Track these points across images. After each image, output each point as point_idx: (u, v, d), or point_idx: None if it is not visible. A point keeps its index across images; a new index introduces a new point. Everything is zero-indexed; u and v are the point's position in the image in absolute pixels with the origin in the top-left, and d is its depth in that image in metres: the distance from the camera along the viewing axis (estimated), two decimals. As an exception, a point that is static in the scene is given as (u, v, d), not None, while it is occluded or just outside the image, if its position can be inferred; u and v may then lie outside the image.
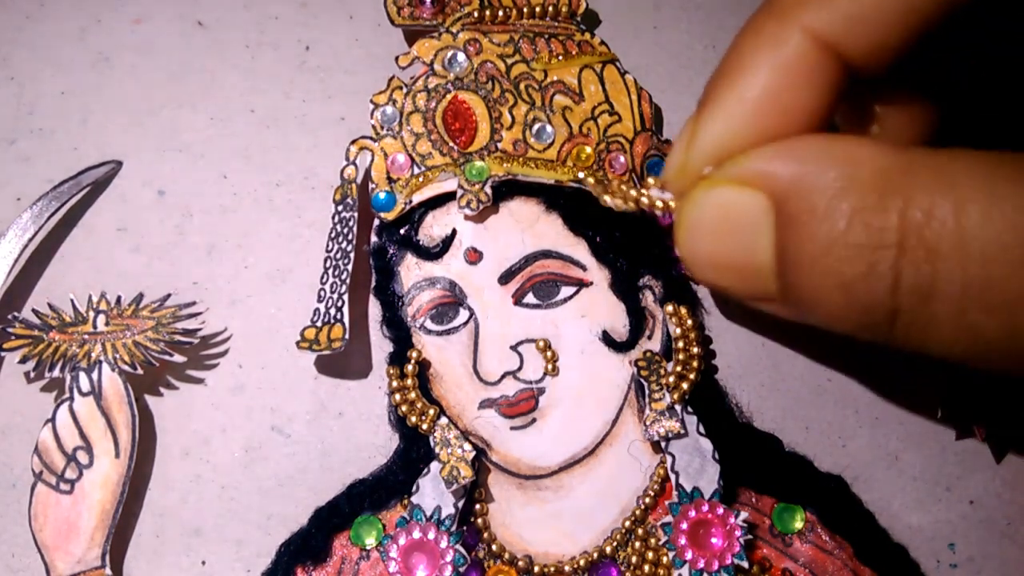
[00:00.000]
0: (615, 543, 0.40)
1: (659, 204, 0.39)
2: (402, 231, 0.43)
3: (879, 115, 0.38)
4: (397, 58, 0.43)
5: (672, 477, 0.40)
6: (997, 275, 0.27)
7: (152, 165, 0.46)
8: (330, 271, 0.42)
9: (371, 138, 0.43)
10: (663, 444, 0.40)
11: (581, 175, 0.41)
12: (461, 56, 0.43)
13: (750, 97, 0.34)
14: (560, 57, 0.43)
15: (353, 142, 0.43)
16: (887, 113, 0.38)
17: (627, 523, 0.40)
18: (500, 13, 0.44)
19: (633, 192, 0.40)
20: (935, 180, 0.28)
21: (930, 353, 0.31)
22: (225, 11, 0.48)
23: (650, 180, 0.40)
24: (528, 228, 0.42)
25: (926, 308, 0.29)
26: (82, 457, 0.40)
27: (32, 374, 0.41)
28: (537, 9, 0.44)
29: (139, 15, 0.48)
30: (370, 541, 0.40)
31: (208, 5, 0.48)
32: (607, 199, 0.40)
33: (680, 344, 0.42)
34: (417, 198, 0.42)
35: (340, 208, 0.43)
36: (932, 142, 0.39)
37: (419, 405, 0.41)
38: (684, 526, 0.39)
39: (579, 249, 0.42)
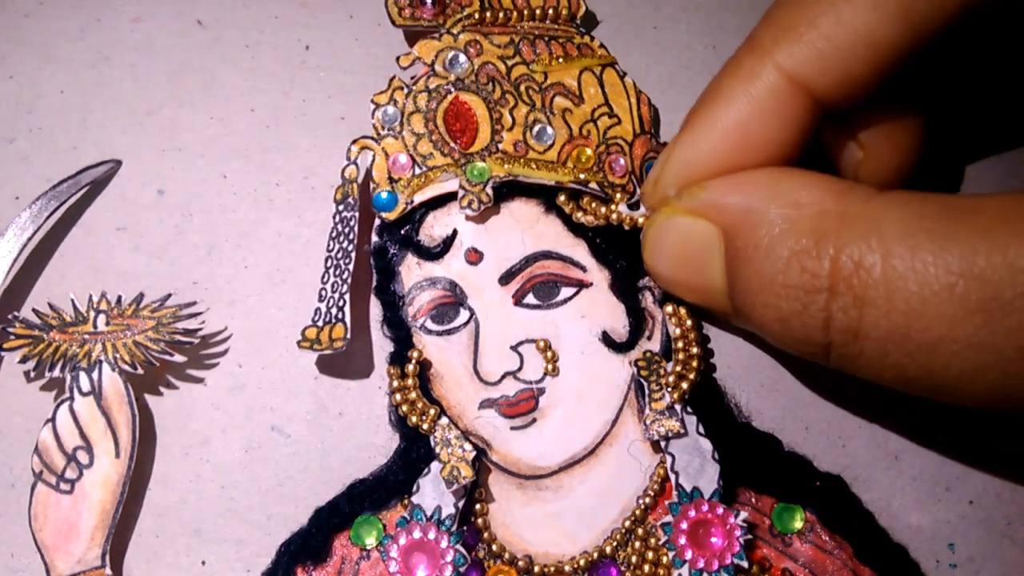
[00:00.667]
0: (615, 543, 0.40)
1: (628, 221, 0.41)
2: (403, 231, 0.43)
3: (863, 130, 0.39)
4: (398, 58, 0.43)
5: (672, 477, 0.40)
6: (917, 324, 0.29)
7: (152, 164, 0.46)
8: (331, 271, 0.42)
9: (372, 138, 0.43)
10: (663, 444, 0.40)
11: (582, 176, 0.42)
12: (462, 57, 0.43)
13: (722, 126, 0.36)
14: (560, 59, 0.43)
15: (354, 142, 0.43)
16: (872, 127, 0.39)
17: (627, 523, 0.40)
18: (500, 15, 0.44)
19: (604, 209, 0.41)
20: (866, 229, 0.30)
21: (864, 379, 0.33)
22: (225, 10, 0.48)
23: (617, 196, 0.41)
24: (528, 229, 0.42)
25: (855, 345, 0.31)
26: (82, 457, 0.40)
27: (32, 374, 0.41)
28: (537, 11, 0.44)
29: (138, 14, 0.48)
30: (370, 541, 0.40)
31: (208, 4, 0.48)
32: (579, 216, 0.42)
33: (680, 344, 0.42)
34: (418, 198, 0.42)
35: (341, 208, 0.43)
36: (921, 150, 0.40)
37: (419, 405, 0.41)
38: (684, 526, 0.39)
39: (579, 250, 0.42)
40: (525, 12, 0.44)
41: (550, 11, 0.44)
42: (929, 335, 0.29)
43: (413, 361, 0.41)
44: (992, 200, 0.29)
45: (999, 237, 0.28)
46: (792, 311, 0.32)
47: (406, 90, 0.43)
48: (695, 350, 0.42)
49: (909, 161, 0.40)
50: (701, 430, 0.41)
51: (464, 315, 0.42)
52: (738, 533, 0.38)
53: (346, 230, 0.43)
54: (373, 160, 0.43)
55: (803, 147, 0.37)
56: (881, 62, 0.34)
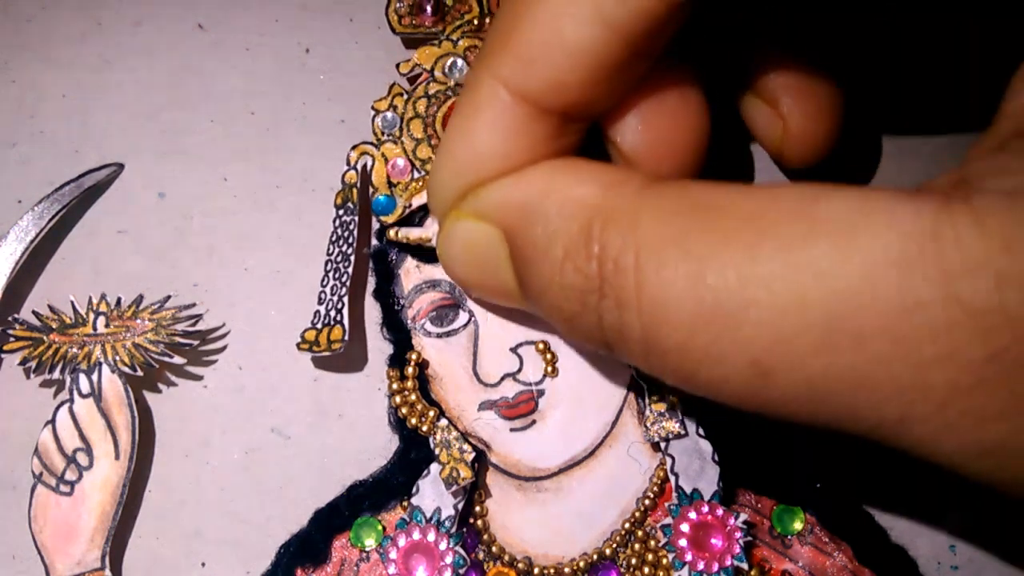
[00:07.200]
0: (615, 544, 0.40)
1: (412, 237, 0.42)
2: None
3: (783, 105, 0.39)
4: (398, 65, 0.44)
5: (672, 478, 0.40)
6: (663, 330, 0.28)
7: (152, 167, 0.46)
8: (331, 274, 0.42)
9: (372, 144, 0.43)
10: (663, 445, 0.40)
11: None
12: (461, 62, 0.43)
13: (474, 143, 0.34)
14: (559, 61, 0.43)
15: (354, 147, 0.44)
16: (791, 102, 0.39)
17: (627, 525, 0.40)
18: (500, 18, 0.44)
19: (391, 232, 0.42)
20: (626, 227, 0.29)
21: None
22: (225, 14, 0.48)
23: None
24: (528, 230, 0.42)
25: (625, 347, 0.30)
26: (82, 459, 0.40)
27: (32, 375, 0.41)
28: (537, 14, 0.44)
29: (139, 18, 0.48)
30: (370, 542, 0.40)
31: (208, 8, 0.48)
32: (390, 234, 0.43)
33: (680, 345, 0.41)
34: (417, 202, 0.43)
35: (341, 212, 0.43)
36: (841, 126, 0.40)
37: (419, 407, 0.41)
38: (684, 528, 0.39)
39: (579, 250, 0.42)
40: (525, 15, 0.44)
41: (550, 14, 0.44)
42: (672, 341, 0.28)
43: (412, 363, 0.41)
44: (749, 197, 0.27)
45: (735, 244, 0.26)
46: (573, 312, 0.31)
47: (406, 96, 0.43)
48: (695, 351, 0.41)
49: (830, 136, 0.39)
50: (701, 431, 0.40)
51: (463, 317, 0.42)
52: (738, 535, 0.38)
53: (346, 234, 0.43)
54: (372, 165, 0.43)
55: (570, 146, 0.35)
56: (593, 68, 0.31)
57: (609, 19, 0.30)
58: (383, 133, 0.43)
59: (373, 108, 0.44)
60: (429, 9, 0.44)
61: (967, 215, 0.23)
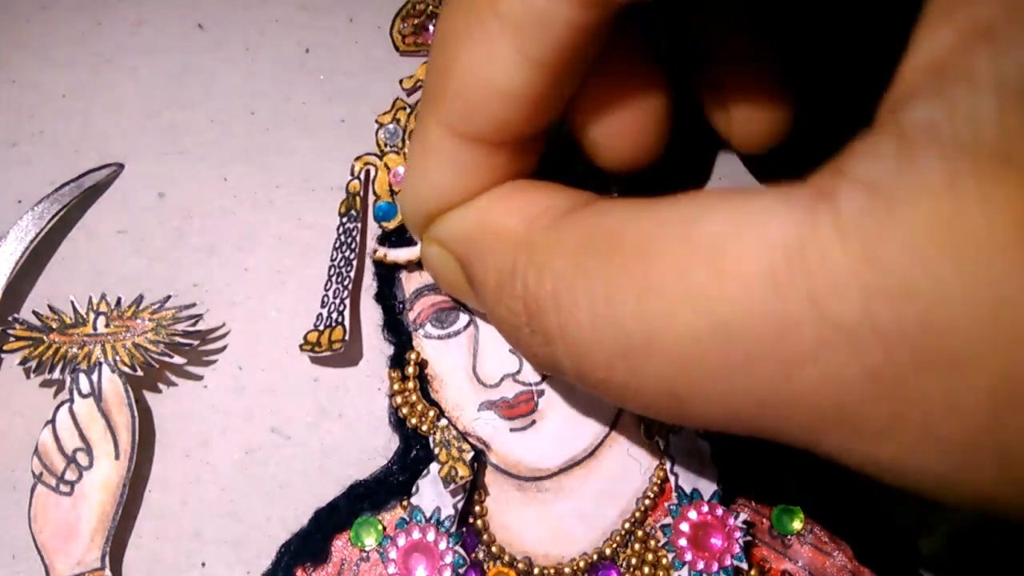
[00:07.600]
0: (615, 544, 0.40)
1: (401, 259, 0.42)
2: (403, 239, 0.43)
3: (731, 98, 0.39)
4: (401, 81, 0.45)
5: (671, 478, 0.40)
6: (586, 364, 0.27)
7: (152, 167, 0.46)
8: (334, 278, 0.43)
9: (375, 155, 0.44)
10: (662, 445, 0.40)
11: None
12: (461, 72, 0.44)
13: (432, 183, 0.34)
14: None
15: (358, 158, 0.44)
16: (738, 95, 0.39)
17: (627, 525, 0.40)
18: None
19: (379, 253, 0.42)
20: (542, 265, 0.29)
21: None
22: (225, 14, 0.48)
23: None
24: (528, 230, 0.42)
25: (564, 377, 0.30)
26: (82, 459, 0.40)
27: (32, 375, 0.41)
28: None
29: (139, 18, 0.48)
30: (370, 542, 0.40)
31: (208, 7, 0.48)
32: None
33: (679, 345, 0.42)
34: (417, 206, 0.43)
35: (344, 220, 0.44)
36: (789, 117, 0.39)
37: (419, 407, 0.41)
38: (684, 527, 0.39)
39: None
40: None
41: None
42: (597, 376, 0.27)
43: (412, 363, 0.41)
44: (642, 220, 0.26)
45: (630, 277, 0.25)
46: (515, 341, 0.31)
47: (408, 109, 0.44)
48: (695, 351, 0.41)
49: (776, 124, 0.39)
50: (700, 431, 0.40)
51: (464, 319, 0.42)
52: (738, 535, 0.38)
53: (349, 240, 0.43)
54: (375, 175, 0.44)
55: (533, 161, 0.35)
56: (533, 101, 0.31)
57: (533, 58, 0.29)
58: (386, 145, 0.44)
59: (377, 121, 0.44)
60: (431, 28, 0.45)
61: (830, 225, 0.21)
